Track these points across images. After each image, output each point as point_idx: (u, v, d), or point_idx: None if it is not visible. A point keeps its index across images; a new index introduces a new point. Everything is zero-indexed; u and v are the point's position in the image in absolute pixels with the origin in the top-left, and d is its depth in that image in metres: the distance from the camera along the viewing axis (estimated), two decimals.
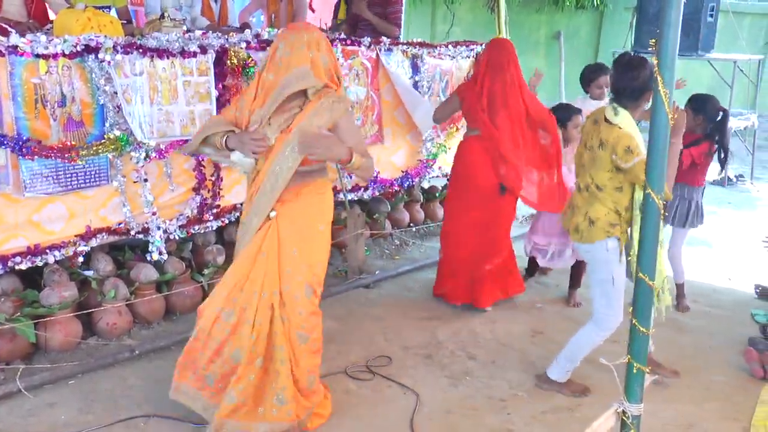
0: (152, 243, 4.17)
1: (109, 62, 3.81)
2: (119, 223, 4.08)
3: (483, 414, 3.64)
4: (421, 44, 5.72)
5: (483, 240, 4.74)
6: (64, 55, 3.70)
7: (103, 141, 3.88)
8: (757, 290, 5.35)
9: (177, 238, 4.36)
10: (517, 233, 5.45)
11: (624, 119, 3.37)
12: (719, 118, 4.58)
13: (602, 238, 3.48)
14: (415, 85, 5.66)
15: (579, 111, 4.92)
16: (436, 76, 5.80)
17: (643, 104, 3.46)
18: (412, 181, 5.87)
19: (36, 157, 3.61)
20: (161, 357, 4.00)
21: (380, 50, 5.34)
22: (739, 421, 3.65)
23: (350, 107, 3.30)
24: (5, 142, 3.51)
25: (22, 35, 3.60)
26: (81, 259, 4.06)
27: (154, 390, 3.63)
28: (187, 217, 4.35)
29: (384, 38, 5.45)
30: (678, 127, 3.26)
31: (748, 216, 7.90)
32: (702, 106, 4.58)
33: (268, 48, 3.32)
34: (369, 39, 5.27)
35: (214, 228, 4.58)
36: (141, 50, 3.96)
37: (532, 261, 5.34)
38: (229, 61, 4.37)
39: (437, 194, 6.74)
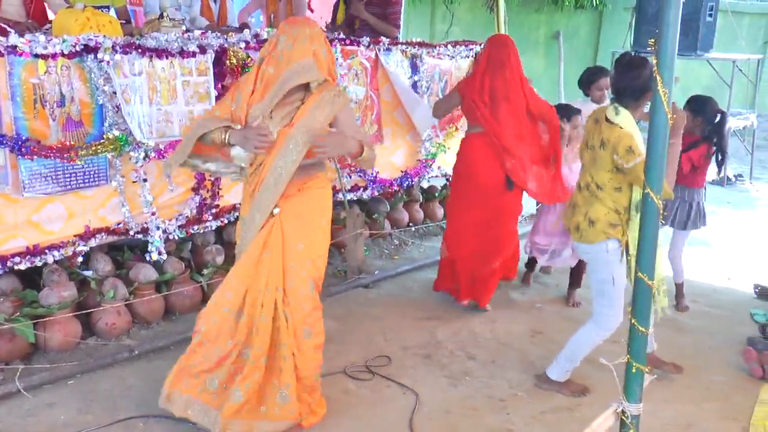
0: (151, 243, 4.17)
1: (108, 62, 3.80)
2: (118, 223, 4.08)
3: (482, 414, 3.64)
4: (420, 44, 5.72)
5: (489, 237, 4.70)
6: (63, 55, 3.70)
7: (102, 141, 3.88)
8: (756, 290, 5.37)
9: (176, 238, 4.36)
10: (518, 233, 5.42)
11: (625, 119, 3.37)
12: (718, 120, 4.58)
13: (602, 239, 3.48)
14: (415, 85, 5.66)
15: (578, 111, 4.92)
16: (435, 76, 5.80)
17: (643, 104, 3.46)
18: (412, 181, 5.87)
19: (35, 157, 3.61)
20: (160, 357, 4.00)
21: (379, 50, 5.34)
22: (738, 420, 3.65)
23: (350, 101, 3.34)
24: (4, 142, 3.51)
25: (21, 35, 3.60)
26: (80, 259, 4.06)
27: (153, 390, 3.61)
28: (187, 217, 4.35)
29: (383, 38, 5.45)
30: (677, 127, 3.26)
31: (747, 216, 7.90)
32: (701, 107, 4.58)
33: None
34: (368, 39, 5.27)
35: (214, 228, 4.58)
36: (140, 50, 3.96)
37: (532, 259, 5.35)
38: (228, 61, 4.36)
39: (436, 194, 6.74)
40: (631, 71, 3.40)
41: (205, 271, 4.60)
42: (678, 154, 3.34)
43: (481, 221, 4.68)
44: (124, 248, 4.55)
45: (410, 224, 6.42)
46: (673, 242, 4.90)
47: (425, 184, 6.79)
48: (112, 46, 3.83)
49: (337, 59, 4.95)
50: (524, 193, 4.77)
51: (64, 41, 3.68)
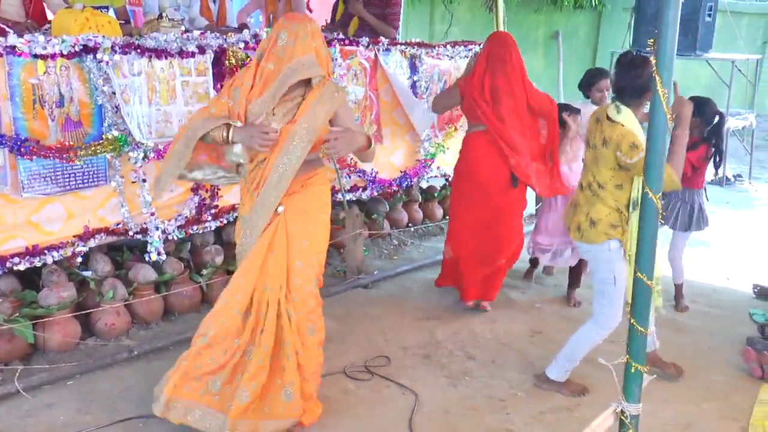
0: (151, 243, 4.17)
1: (107, 62, 3.80)
2: (117, 224, 4.08)
3: (482, 414, 3.64)
4: (420, 44, 5.72)
5: (493, 235, 4.68)
6: (62, 55, 3.70)
7: (101, 141, 3.89)
8: (756, 290, 5.38)
9: (175, 238, 4.35)
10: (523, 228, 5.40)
11: (626, 117, 3.39)
12: (716, 121, 4.59)
13: (603, 240, 3.50)
14: (414, 86, 5.66)
15: (578, 111, 4.93)
16: (435, 76, 5.80)
17: (645, 102, 3.47)
18: (411, 181, 5.87)
19: (34, 157, 3.61)
20: (160, 357, 4.00)
21: (379, 50, 5.34)
22: (737, 420, 3.65)
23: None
24: (3, 142, 3.51)
25: (20, 35, 3.60)
26: (79, 259, 4.06)
27: (152, 391, 3.62)
28: (186, 217, 4.35)
29: (382, 38, 5.45)
30: (685, 116, 3.26)
31: (746, 216, 7.91)
32: (700, 109, 4.57)
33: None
34: (367, 39, 5.27)
35: (213, 228, 4.58)
36: (139, 50, 3.96)
37: (533, 260, 5.35)
38: (227, 62, 4.37)
39: (436, 194, 6.74)
40: (632, 70, 3.41)
41: (205, 272, 4.60)
42: (685, 144, 3.31)
43: (484, 220, 4.65)
44: (124, 249, 4.55)
45: (409, 224, 6.42)
46: (674, 243, 4.90)
47: (424, 185, 6.79)
48: (111, 47, 3.83)
49: (336, 59, 4.96)
50: (527, 189, 4.77)
51: (63, 41, 3.68)
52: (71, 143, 3.76)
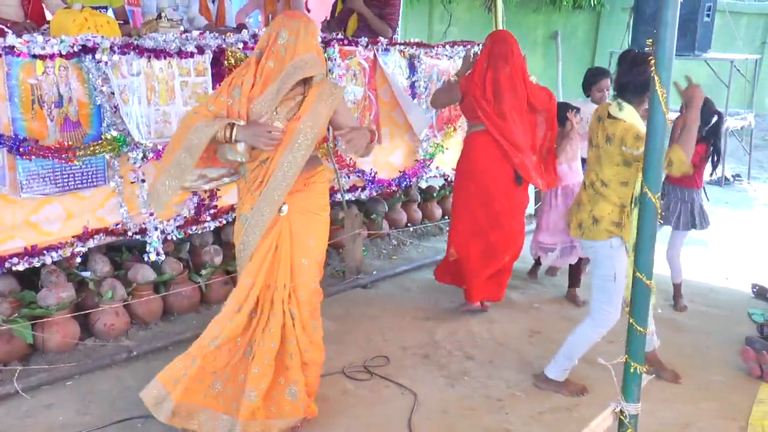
0: (150, 243, 4.17)
1: (106, 63, 3.80)
2: (116, 224, 4.08)
3: (480, 414, 3.64)
4: (419, 44, 5.72)
5: (498, 234, 4.66)
6: (61, 55, 3.70)
7: (100, 141, 3.89)
8: (754, 289, 5.38)
9: (174, 238, 4.35)
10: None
11: (629, 113, 3.42)
12: (714, 121, 4.60)
13: (604, 238, 3.52)
14: (413, 85, 5.67)
15: (578, 109, 4.94)
16: (434, 77, 5.79)
17: (647, 100, 3.48)
18: (410, 181, 5.87)
19: (33, 157, 3.60)
20: (159, 358, 3.99)
21: (377, 50, 5.34)
22: (736, 420, 3.65)
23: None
24: (2, 143, 3.52)
25: (19, 35, 3.60)
26: (78, 260, 4.06)
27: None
28: (185, 217, 4.34)
29: (381, 39, 5.45)
30: (696, 101, 3.28)
31: (744, 215, 7.92)
32: None
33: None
34: (366, 39, 5.27)
35: (212, 228, 4.57)
36: (138, 51, 3.96)
37: (536, 261, 5.34)
38: (226, 62, 4.37)
39: (435, 194, 6.74)
40: (635, 67, 3.43)
41: (204, 272, 4.60)
42: (696, 130, 3.31)
43: (488, 219, 4.63)
44: (123, 249, 4.55)
45: (408, 224, 6.43)
46: (672, 242, 4.90)
47: (423, 185, 6.79)
48: (110, 47, 3.83)
49: (335, 59, 4.97)
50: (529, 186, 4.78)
51: (62, 42, 3.68)
52: (70, 143, 3.76)
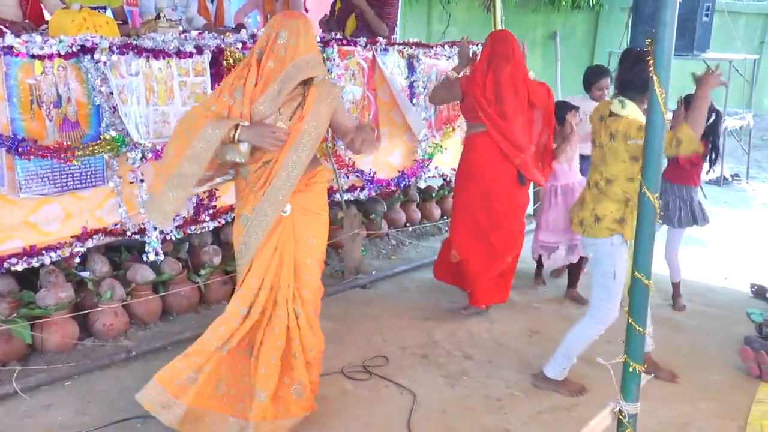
0: (148, 244, 4.17)
1: (104, 63, 3.80)
2: (115, 224, 4.08)
3: (480, 414, 3.64)
4: (417, 44, 5.72)
5: (501, 234, 4.65)
6: (59, 55, 3.69)
7: (99, 141, 3.88)
8: (753, 289, 5.39)
9: (173, 238, 4.35)
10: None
11: (631, 110, 3.44)
12: (712, 118, 4.60)
13: (606, 236, 3.53)
14: (411, 85, 5.67)
15: (577, 108, 4.95)
16: (432, 77, 5.80)
17: (648, 98, 3.50)
18: (409, 181, 5.87)
19: (32, 157, 3.60)
20: (158, 358, 3.99)
21: (376, 50, 5.34)
22: (735, 420, 3.65)
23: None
24: (1, 143, 3.51)
25: (18, 36, 3.60)
26: (77, 260, 4.06)
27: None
28: (184, 217, 4.34)
29: (380, 39, 5.45)
30: (712, 84, 3.34)
31: (743, 215, 7.92)
32: None
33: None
34: (365, 39, 5.27)
35: (211, 228, 4.57)
36: (137, 51, 3.95)
37: (540, 263, 5.33)
38: (225, 62, 4.37)
39: (434, 194, 6.74)
40: (637, 64, 3.44)
41: (203, 272, 4.60)
42: (705, 109, 3.36)
43: (491, 220, 4.62)
44: (121, 249, 4.55)
45: (407, 224, 6.43)
46: (669, 240, 4.90)
47: (422, 185, 6.79)
48: (109, 47, 3.83)
49: (334, 59, 4.96)
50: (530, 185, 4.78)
51: (60, 42, 3.68)
52: (69, 143, 3.76)
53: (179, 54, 4.13)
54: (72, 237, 3.91)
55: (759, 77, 10.66)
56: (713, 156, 4.69)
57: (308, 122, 3.09)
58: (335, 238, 5.21)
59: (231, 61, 4.37)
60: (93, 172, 3.92)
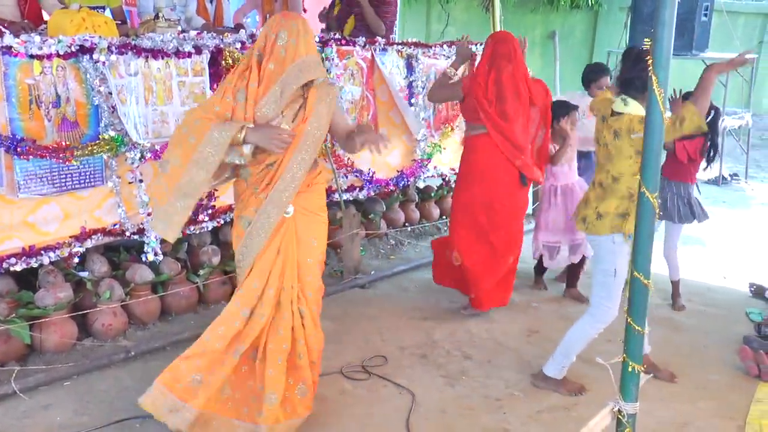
0: (147, 244, 4.16)
1: (103, 63, 3.80)
2: (114, 224, 4.07)
3: (479, 413, 3.64)
4: (416, 44, 5.72)
5: (503, 235, 4.64)
6: (58, 55, 3.69)
7: (97, 141, 3.88)
8: (752, 289, 5.39)
9: None
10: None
11: (634, 108, 3.46)
12: (711, 116, 4.62)
13: (608, 232, 3.56)
14: (410, 85, 5.67)
15: (576, 108, 4.95)
16: (431, 76, 5.79)
17: None
18: (408, 181, 5.87)
19: (30, 157, 3.60)
20: (157, 358, 3.99)
21: (375, 50, 5.34)
22: (734, 419, 3.66)
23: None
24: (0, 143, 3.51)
25: (17, 35, 3.59)
26: (76, 260, 4.05)
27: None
28: None
29: (379, 38, 5.45)
30: (721, 66, 3.39)
31: (742, 215, 7.93)
32: None
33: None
34: (364, 39, 5.27)
35: (210, 228, 4.57)
36: (136, 51, 3.95)
37: (539, 268, 5.32)
38: (224, 62, 4.36)
39: (432, 194, 6.74)
40: (639, 64, 3.46)
41: (202, 272, 4.60)
42: (711, 90, 3.40)
43: (493, 222, 4.61)
44: (120, 249, 4.54)
45: (406, 224, 6.43)
46: (667, 237, 4.90)
47: (421, 184, 6.79)
48: (108, 47, 3.83)
49: (332, 59, 4.96)
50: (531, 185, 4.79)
51: (59, 42, 3.68)
52: (68, 143, 3.76)
53: (178, 54, 4.13)
54: (71, 237, 3.90)
55: (757, 77, 10.67)
56: (711, 153, 4.70)
57: (311, 123, 3.09)
58: (334, 238, 5.21)
59: (230, 61, 4.37)
60: (92, 172, 3.92)
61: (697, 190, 4.94)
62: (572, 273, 5.16)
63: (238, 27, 5.36)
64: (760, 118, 13.25)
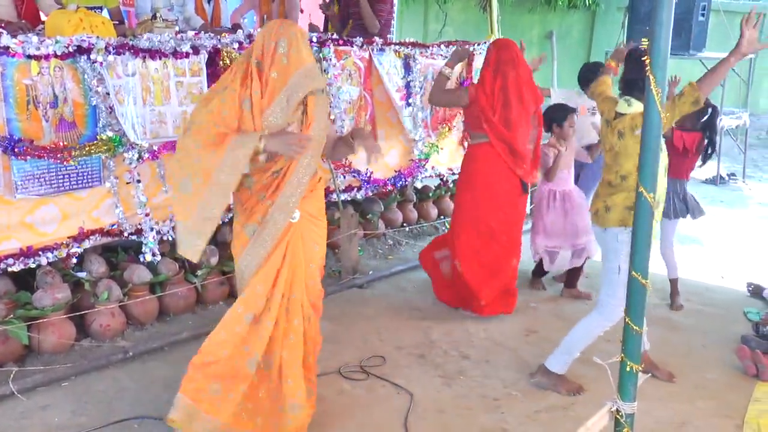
0: (145, 244, 4.16)
1: (101, 63, 3.80)
2: (112, 225, 4.07)
3: (477, 413, 3.64)
4: (414, 44, 5.72)
5: (504, 242, 4.67)
6: (56, 56, 3.69)
7: (95, 142, 3.88)
8: (750, 288, 5.40)
9: (170, 239, 4.34)
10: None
11: (637, 108, 3.47)
12: (709, 113, 4.63)
13: (612, 225, 3.59)
14: (408, 85, 5.66)
15: (574, 110, 4.95)
16: (429, 76, 5.79)
17: None
18: (405, 181, 5.87)
19: (28, 158, 3.60)
20: (155, 358, 3.99)
21: (373, 50, 5.34)
22: (732, 418, 3.66)
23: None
24: None
25: (14, 36, 3.59)
26: (74, 260, 4.05)
27: (148, 391, 3.63)
28: None
29: (376, 39, 5.45)
30: (747, 51, 3.43)
31: (740, 214, 7.94)
32: None
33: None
34: (361, 39, 5.27)
35: None
36: (133, 51, 3.95)
37: (538, 271, 5.32)
38: (221, 62, 4.36)
39: (430, 194, 6.74)
40: (642, 63, 3.45)
41: (200, 272, 4.59)
42: (725, 72, 3.42)
43: (495, 230, 4.63)
44: (118, 249, 4.54)
45: (404, 224, 6.43)
46: (663, 234, 4.88)
47: (419, 184, 6.76)
48: (105, 47, 3.82)
49: (330, 59, 4.96)
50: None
51: (57, 42, 3.67)
52: (65, 144, 3.75)
53: (176, 54, 4.13)
54: (69, 238, 3.90)
55: (755, 77, 10.67)
56: (709, 151, 4.71)
57: (314, 129, 3.10)
58: (332, 238, 5.20)
59: (227, 62, 4.36)
60: (90, 173, 3.91)
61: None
62: (573, 274, 5.16)
63: (235, 27, 5.36)
64: (758, 118, 13.26)
